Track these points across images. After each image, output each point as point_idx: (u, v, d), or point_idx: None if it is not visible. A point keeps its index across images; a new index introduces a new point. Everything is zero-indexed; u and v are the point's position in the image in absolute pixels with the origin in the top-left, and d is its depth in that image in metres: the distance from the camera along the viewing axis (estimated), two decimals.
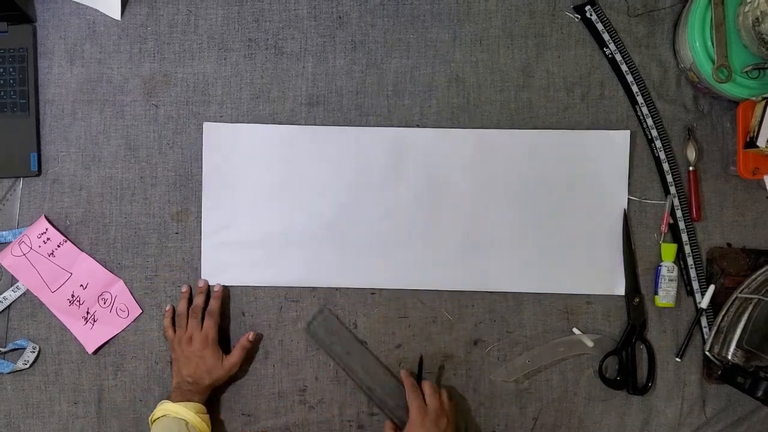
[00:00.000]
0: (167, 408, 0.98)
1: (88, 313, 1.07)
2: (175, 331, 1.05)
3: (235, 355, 1.04)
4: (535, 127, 1.08)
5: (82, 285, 1.07)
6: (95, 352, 1.08)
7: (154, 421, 0.99)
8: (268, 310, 1.08)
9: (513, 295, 1.08)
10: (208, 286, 1.07)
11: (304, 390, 1.08)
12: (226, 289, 1.08)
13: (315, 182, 1.08)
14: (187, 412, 0.98)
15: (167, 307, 1.07)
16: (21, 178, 1.09)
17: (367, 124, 1.09)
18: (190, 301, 1.07)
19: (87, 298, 1.07)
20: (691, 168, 1.07)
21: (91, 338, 1.08)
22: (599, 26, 1.08)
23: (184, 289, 1.07)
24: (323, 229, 1.08)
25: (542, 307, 1.08)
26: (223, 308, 1.07)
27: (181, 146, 1.09)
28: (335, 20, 1.09)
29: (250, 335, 1.05)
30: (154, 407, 1.06)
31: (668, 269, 1.05)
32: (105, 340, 1.08)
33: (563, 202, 1.07)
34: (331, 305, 1.08)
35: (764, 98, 0.98)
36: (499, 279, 1.08)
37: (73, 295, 1.07)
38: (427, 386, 1.01)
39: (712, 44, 0.99)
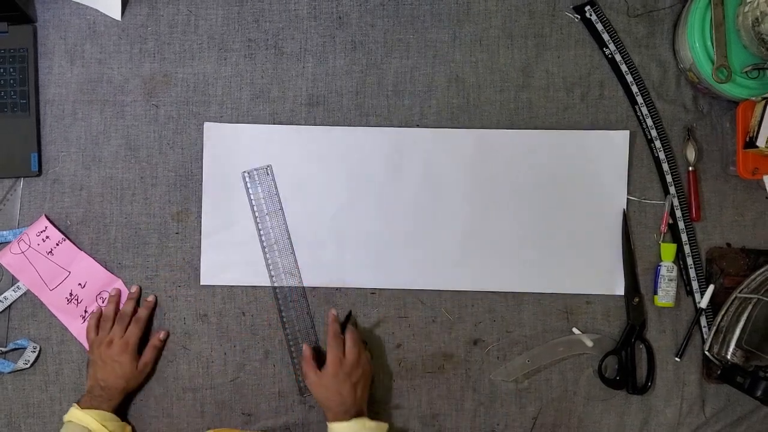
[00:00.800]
0: (74, 414, 0.99)
1: (86, 311, 1.08)
2: (97, 334, 1.05)
3: (147, 356, 1.04)
4: (535, 127, 1.08)
5: (80, 284, 1.07)
6: None
7: (64, 423, 1.00)
8: (268, 310, 1.08)
9: (513, 295, 1.08)
10: (140, 294, 1.08)
11: (304, 390, 1.08)
12: (156, 300, 1.08)
13: (315, 182, 1.08)
14: (91, 420, 0.98)
15: (96, 311, 1.07)
16: (21, 178, 1.09)
17: (367, 124, 1.09)
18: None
19: (85, 296, 1.07)
20: (690, 168, 1.07)
21: None
22: (599, 26, 1.08)
23: (113, 292, 1.07)
24: (323, 229, 1.08)
25: (542, 307, 1.08)
26: (151, 319, 1.07)
27: (182, 146, 1.09)
28: (335, 20, 1.09)
29: (161, 334, 1.06)
30: (155, 407, 1.07)
31: (668, 269, 1.05)
32: None
33: (563, 202, 1.08)
34: (331, 305, 1.08)
35: (764, 98, 0.98)
36: (498, 279, 1.08)
37: (71, 294, 1.07)
38: (349, 337, 1.01)
39: (712, 44, 0.99)
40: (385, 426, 0.99)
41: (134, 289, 1.07)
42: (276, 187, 1.07)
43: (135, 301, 1.07)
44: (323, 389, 0.99)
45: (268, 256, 1.07)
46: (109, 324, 1.05)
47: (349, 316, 1.06)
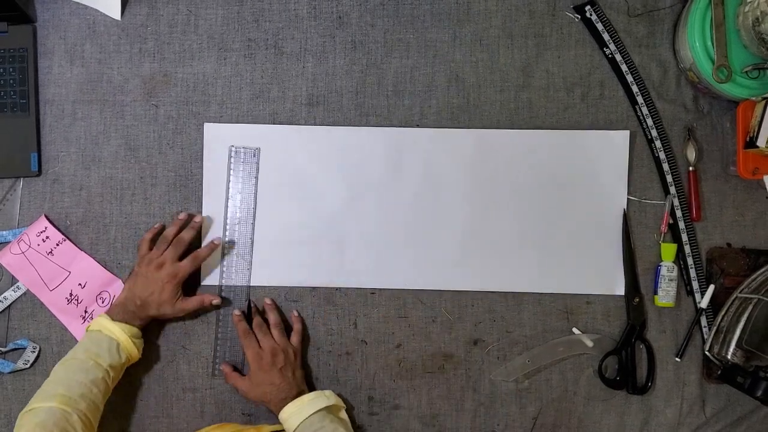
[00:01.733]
0: (104, 324, 0.97)
1: (86, 312, 1.07)
2: (150, 249, 1.03)
3: (191, 303, 1.02)
4: (536, 127, 1.08)
5: (80, 284, 1.07)
6: None
7: (88, 332, 0.99)
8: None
9: (513, 295, 1.08)
10: (202, 224, 1.06)
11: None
12: (218, 246, 1.06)
13: (315, 182, 1.08)
14: (121, 333, 0.97)
15: (157, 225, 1.06)
16: (21, 178, 1.09)
17: (367, 124, 1.09)
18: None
19: (85, 297, 1.07)
20: (690, 168, 1.07)
21: None
22: (599, 26, 1.08)
23: (182, 216, 1.06)
24: (323, 229, 1.08)
25: (542, 307, 1.08)
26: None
27: (181, 146, 1.09)
28: (335, 20, 1.09)
29: (215, 299, 1.04)
30: (155, 407, 1.07)
31: (668, 269, 1.05)
32: None
33: (563, 202, 1.08)
34: (331, 305, 1.08)
35: (764, 98, 0.98)
36: (499, 279, 1.08)
37: (71, 294, 1.07)
38: (257, 329, 1.02)
39: (712, 44, 0.99)
40: (323, 393, 1.00)
41: (199, 218, 1.05)
42: (257, 172, 1.07)
43: (197, 232, 1.04)
44: (256, 388, 1.00)
45: (227, 232, 1.07)
46: (165, 245, 1.02)
47: (249, 305, 1.06)
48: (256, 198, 1.07)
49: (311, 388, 1.06)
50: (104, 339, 0.97)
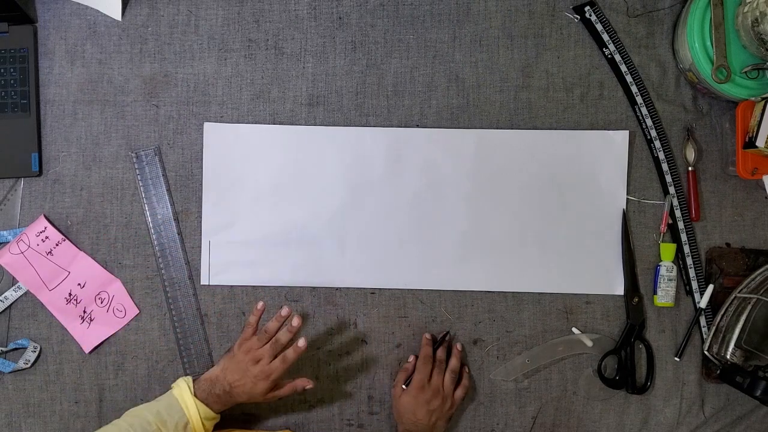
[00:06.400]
0: (184, 398, 0.96)
1: (84, 312, 1.08)
2: (254, 333, 0.99)
3: (284, 392, 0.99)
4: (535, 127, 1.09)
5: (79, 284, 1.07)
6: (92, 351, 1.08)
7: (171, 393, 0.97)
8: (268, 310, 1.08)
9: (512, 295, 1.08)
10: (299, 329, 1.00)
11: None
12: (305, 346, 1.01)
13: (315, 182, 1.08)
14: (196, 413, 0.95)
15: (261, 304, 1.00)
16: (22, 179, 1.09)
17: (367, 124, 1.09)
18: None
19: (84, 297, 1.07)
20: (690, 168, 1.07)
21: (87, 338, 1.08)
22: (598, 27, 1.08)
23: (284, 312, 0.99)
24: (323, 229, 1.08)
25: (541, 307, 1.08)
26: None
27: (182, 146, 1.09)
28: (335, 20, 1.10)
29: (308, 384, 1.00)
30: None
31: (667, 269, 1.06)
32: (101, 340, 1.08)
33: (563, 202, 1.08)
34: (331, 305, 1.08)
35: (763, 98, 0.99)
36: (498, 279, 1.08)
37: (70, 294, 1.07)
38: (437, 362, 1.04)
39: (712, 45, 1.00)
40: None
41: (296, 321, 0.99)
42: (164, 170, 1.08)
43: (292, 335, 0.99)
44: (401, 405, 1.02)
45: (154, 238, 1.08)
46: (266, 337, 0.98)
47: (445, 335, 1.07)
48: (172, 199, 1.08)
49: None
50: (177, 412, 0.95)
